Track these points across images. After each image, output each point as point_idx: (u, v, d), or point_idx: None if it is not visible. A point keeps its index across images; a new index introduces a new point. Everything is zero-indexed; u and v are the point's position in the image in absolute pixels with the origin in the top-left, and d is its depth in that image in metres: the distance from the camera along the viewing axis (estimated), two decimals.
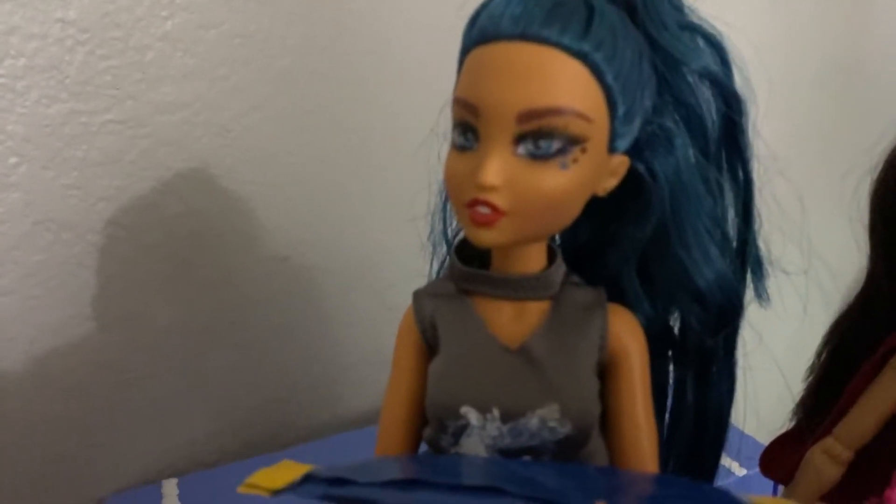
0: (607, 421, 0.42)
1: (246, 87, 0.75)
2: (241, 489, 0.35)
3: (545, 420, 0.39)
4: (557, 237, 0.47)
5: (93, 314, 0.74)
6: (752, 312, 0.49)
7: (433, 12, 0.80)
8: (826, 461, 0.45)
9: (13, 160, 0.66)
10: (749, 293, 0.49)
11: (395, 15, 0.80)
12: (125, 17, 0.68)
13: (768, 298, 0.49)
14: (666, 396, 0.49)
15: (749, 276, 0.48)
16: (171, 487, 0.78)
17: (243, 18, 0.73)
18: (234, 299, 0.81)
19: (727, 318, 0.45)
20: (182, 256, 0.76)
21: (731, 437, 0.50)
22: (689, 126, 0.43)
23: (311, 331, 0.86)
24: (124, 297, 0.75)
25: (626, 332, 0.41)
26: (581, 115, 0.36)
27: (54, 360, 0.73)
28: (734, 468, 0.80)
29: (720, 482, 0.55)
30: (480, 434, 0.40)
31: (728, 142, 0.44)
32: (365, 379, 0.90)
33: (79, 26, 0.66)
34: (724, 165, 0.45)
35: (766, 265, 0.48)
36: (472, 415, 0.40)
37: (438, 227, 0.51)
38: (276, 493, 0.34)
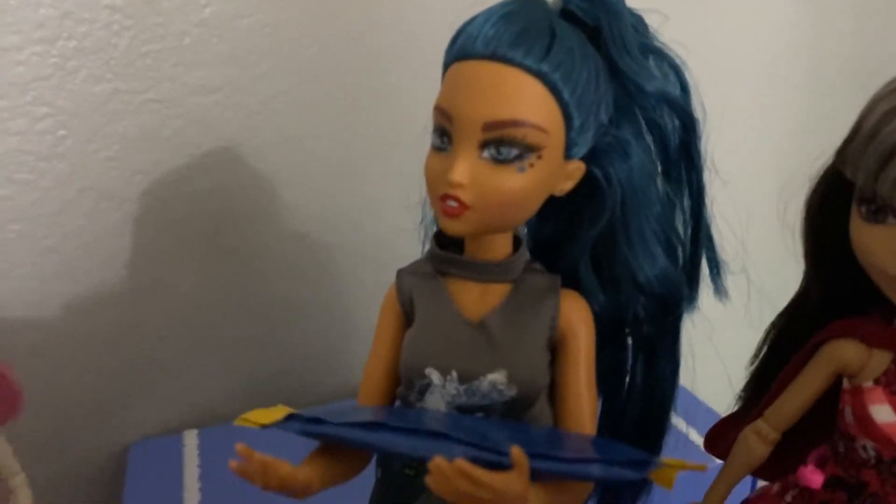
0: (555, 389, 0.47)
1: (274, 73, 0.78)
2: (236, 422, 0.41)
3: (495, 383, 0.45)
4: (524, 229, 0.53)
5: (126, 277, 0.79)
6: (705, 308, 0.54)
7: (455, 12, 0.83)
8: (756, 440, 0.50)
9: (62, 132, 0.71)
10: (708, 290, 0.54)
11: (420, 12, 0.82)
12: (167, 4, 0.72)
13: (727, 294, 0.54)
14: (621, 375, 0.54)
15: (708, 274, 0.53)
16: (191, 438, 0.83)
17: (275, 9, 0.76)
18: (254, 271, 0.85)
19: (668, 308, 0.50)
20: (208, 229, 0.81)
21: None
22: (652, 138, 0.48)
23: (323, 304, 0.89)
24: (154, 263, 0.80)
25: (575, 315, 0.47)
26: (538, 127, 0.41)
27: (90, 317, 0.78)
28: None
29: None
30: (441, 392, 0.46)
31: (684, 156, 0.49)
32: None
33: (125, 13, 0.70)
34: (683, 176, 0.50)
35: (722, 265, 0.53)
36: (434, 375, 0.46)
37: (429, 213, 0.56)
38: (265, 427, 0.41)
